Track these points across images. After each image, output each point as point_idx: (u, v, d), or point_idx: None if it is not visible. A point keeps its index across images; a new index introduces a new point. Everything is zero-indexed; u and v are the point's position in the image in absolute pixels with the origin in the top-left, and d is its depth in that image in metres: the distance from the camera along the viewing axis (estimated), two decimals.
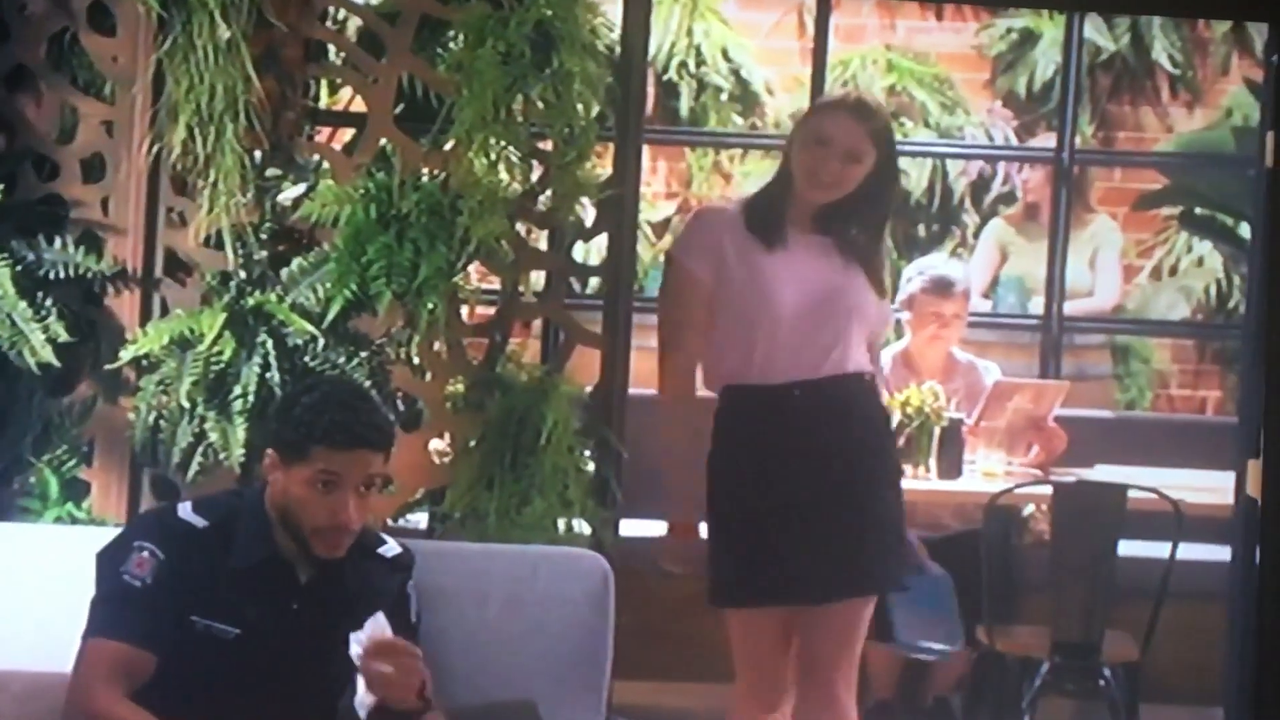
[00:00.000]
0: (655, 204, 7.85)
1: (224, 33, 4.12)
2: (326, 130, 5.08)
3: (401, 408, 4.45)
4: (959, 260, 6.14)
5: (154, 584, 3.32)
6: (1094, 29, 7.79)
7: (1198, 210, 7.52)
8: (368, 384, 4.19)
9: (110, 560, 3.38)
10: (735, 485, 4.09)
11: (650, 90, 7.63)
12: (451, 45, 4.38)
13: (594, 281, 6.16)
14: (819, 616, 4.09)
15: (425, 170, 4.29)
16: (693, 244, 4.15)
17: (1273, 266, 4.56)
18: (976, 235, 7.75)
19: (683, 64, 7.78)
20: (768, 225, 4.09)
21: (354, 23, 4.63)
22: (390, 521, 4.30)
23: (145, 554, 3.34)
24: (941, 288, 5.85)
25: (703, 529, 4.09)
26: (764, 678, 4.15)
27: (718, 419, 4.13)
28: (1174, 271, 8.08)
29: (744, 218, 4.11)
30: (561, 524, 4.27)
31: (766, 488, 4.06)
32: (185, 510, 3.43)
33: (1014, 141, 7.88)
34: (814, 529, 4.05)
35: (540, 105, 4.27)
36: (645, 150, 7.69)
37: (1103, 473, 5.70)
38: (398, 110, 4.43)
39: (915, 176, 7.76)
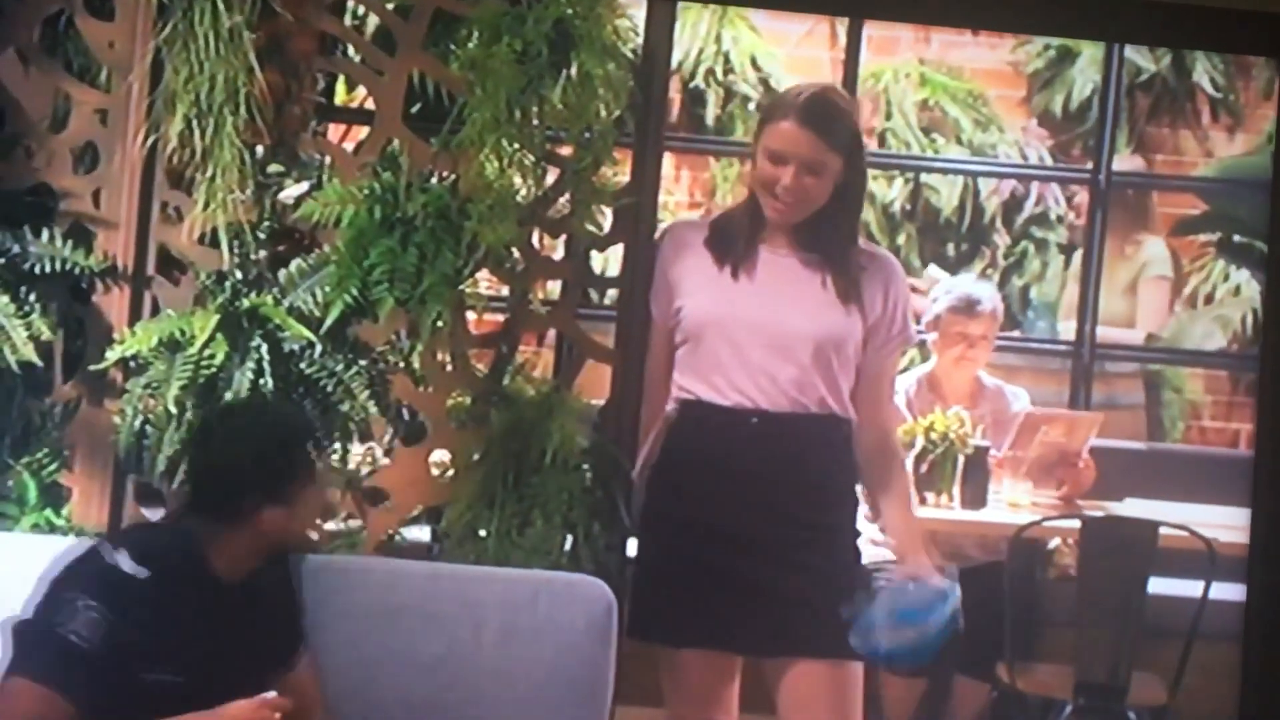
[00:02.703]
0: (677, 214, 7.69)
1: (226, 21, 3.96)
2: (340, 128, 4.92)
3: (406, 418, 4.28)
4: (987, 280, 5.96)
5: (100, 647, 3.25)
6: (1134, 49, 7.62)
7: (1236, 238, 7.37)
8: (366, 394, 4.03)
9: (52, 610, 3.29)
10: (672, 504, 3.89)
11: (676, 97, 7.51)
12: (466, 42, 4.18)
13: (612, 293, 5.97)
14: (783, 673, 3.84)
15: (434, 172, 4.11)
16: (653, 274, 3.99)
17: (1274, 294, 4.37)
18: (1006, 256, 7.61)
19: (710, 71, 7.64)
20: (732, 248, 3.88)
21: (374, 20, 4.47)
22: (387, 537, 4.12)
23: (93, 616, 3.26)
24: (968, 307, 5.71)
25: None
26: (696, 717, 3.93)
27: (669, 432, 3.94)
28: (1210, 300, 7.91)
29: (707, 237, 3.91)
30: (566, 547, 4.08)
31: (705, 514, 3.83)
32: (125, 562, 3.33)
33: (1049, 161, 7.71)
34: (752, 571, 3.81)
35: (558, 107, 4.08)
36: (668, 158, 7.62)
37: (1133, 507, 5.54)
38: (414, 110, 4.27)
39: (945, 194, 7.61)
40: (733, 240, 3.90)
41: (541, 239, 4.33)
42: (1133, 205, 7.20)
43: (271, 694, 3.32)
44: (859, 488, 3.98)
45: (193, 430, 3.79)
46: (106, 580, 3.30)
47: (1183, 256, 7.92)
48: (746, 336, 3.84)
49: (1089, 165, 7.06)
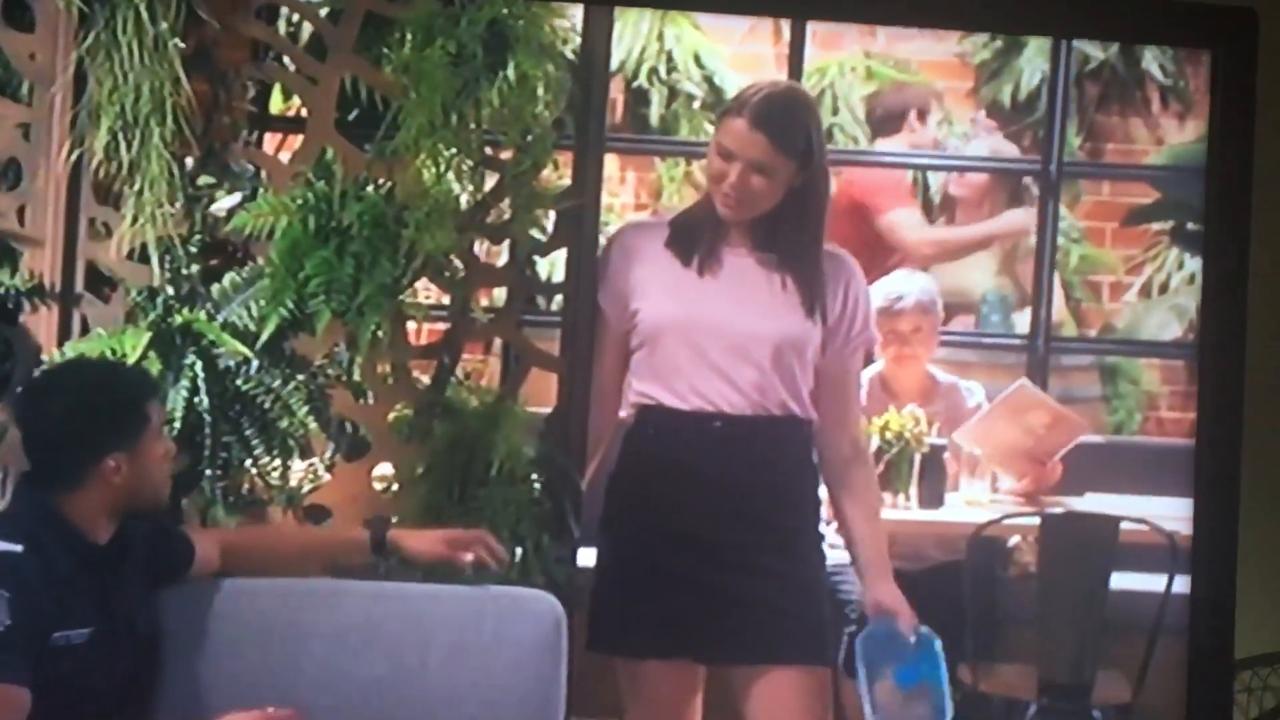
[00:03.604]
0: (624, 216, 7.60)
1: (151, 30, 3.86)
2: (277, 137, 4.82)
3: (349, 432, 4.18)
4: (919, 273, 5.89)
5: (14, 623, 3.25)
6: None
7: (1189, 225, 7.31)
8: (305, 409, 3.94)
9: None
10: (633, 512, 3.82)
11: (619, 97, 7.43)
12: (399, 46, 4.09)
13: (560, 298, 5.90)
14: (751, 682, 3.77)
15: (369, 180, 4.02)
16: (603, 275, 3.92)
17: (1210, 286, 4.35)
18: None
19: (653, 70, 7.55)
20: (691, 247, 3.81)
21: (309, 27, 4.37)
22: None
23: None
24: (890, 304, 5.62)
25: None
26: None
27: (627, 439, 3.88)
28: (1164, 289, 7.86)
29: (668, 237, 3.83)
30: (515, 560, 3.99)
31: (667, 521, 3.76)
32: None
33: (1012, 152, 7.64)
34: (714, 578, 3.75)
35: (495, 110, 4.00)
36: (613, 160, 7.57)
37: (1093, 501, 5.47)
38: (351, 118, 4.16)
39: None
40: (696, 239, 3.82)
41: (485, 246, 4.25)
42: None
43: (271, 709, 3.36)
44: (821, 490, 3.91)
45: (14, 403, 3.74)
46: None
47: (1135, 246, 7.88)
48: (706, 339, 3.77)
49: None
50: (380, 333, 3.97)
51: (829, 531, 3.98)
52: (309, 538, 3.83)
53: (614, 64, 7.18)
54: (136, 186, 3.90)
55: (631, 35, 7.46)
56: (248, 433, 3.97)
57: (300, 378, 4.01)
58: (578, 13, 4.20)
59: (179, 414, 3.87)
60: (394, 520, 3.87)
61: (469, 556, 3.64)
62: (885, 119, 7.00)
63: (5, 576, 3.30)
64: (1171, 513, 5.12)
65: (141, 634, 3.51)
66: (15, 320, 3.97)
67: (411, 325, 4.13)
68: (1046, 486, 5.53)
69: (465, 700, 3.55)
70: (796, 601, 3.76)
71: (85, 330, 4.00)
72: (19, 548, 3.34)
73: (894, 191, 6.77)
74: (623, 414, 3.97)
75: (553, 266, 6.15)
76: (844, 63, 7.69)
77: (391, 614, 3.60)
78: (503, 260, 4.28)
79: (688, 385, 3.77)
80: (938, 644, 3.92)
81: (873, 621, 3.91)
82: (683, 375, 3.77)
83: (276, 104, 4.80)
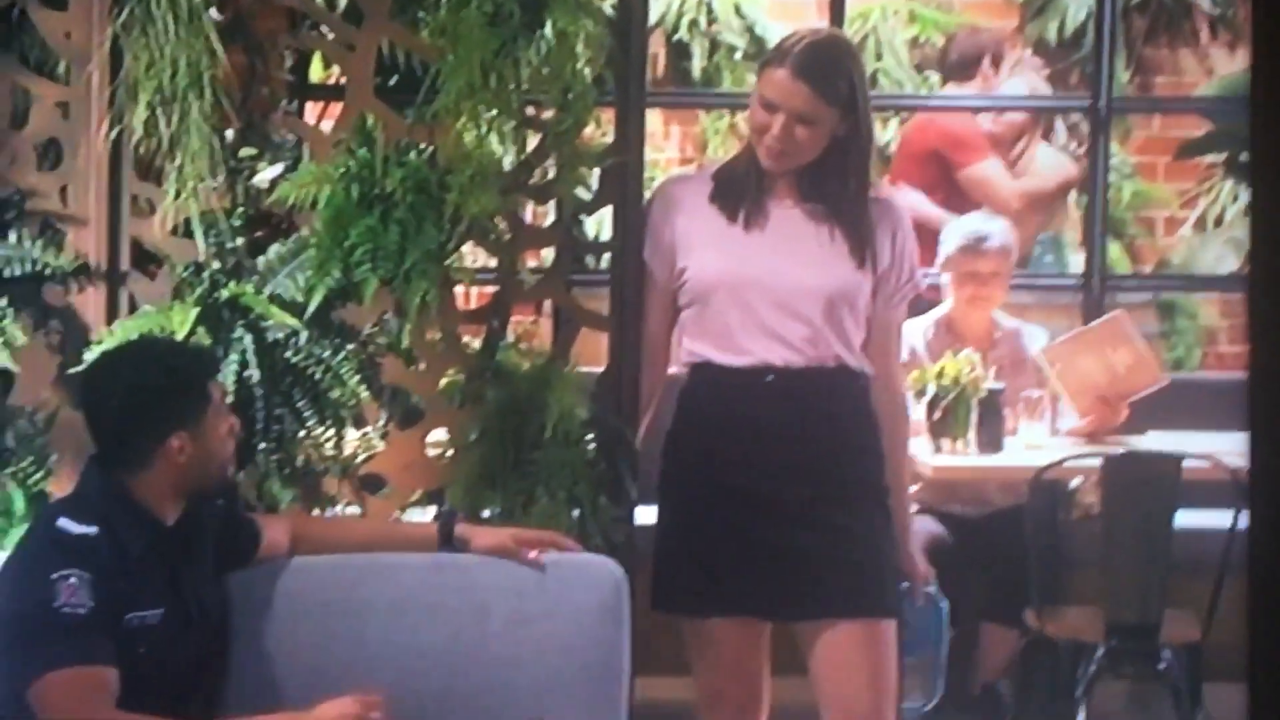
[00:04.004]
0: (670, 171, 7.55)
1: (185, 2, 3.81)
2: (319, 106, 4.78)
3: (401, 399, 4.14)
4: (998, 218, 5.81)
5: (96, 605, 3.23)
6: None
7: (1243, 156, 7.20)
8: (356, 379, 3.91)
9: (33, 597, 3.24)
10: (691, 471, 3.78)
11: (661, 51, 7.37)
12: (435, 8, 4.03)
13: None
14: (816, 636, 3.73)
15: (411, 145, 3.96)
16: (649, 233, 3.86)
17: (1259, 216, 4.25)
18: None
19: (694, 22, 7.49)
20: (736, 201, 3.75)
21: None
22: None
23: (72, 580, 3.24)
24: (975, 243, 5.56)
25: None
26: (727, 694, 3.82)
27: (681, 397, 3.83)
28: (1219, 222, 7.76)
29: (712, 191, 3.77)
30: (573, 521, 3.95)
31: (726, 478, 3.72)
32: (70, 525, 3.32)
33: (1045, 91, 7.55)
34: (777, 534, 3.69)
35: (535, 69, 3.94)
36: (657, 115, 7.51)
37: (1155, 440, 5.39)
38: (391, 84, 4.12)
39: None
40: (740, 192, 3.77)
41: (533, 209, 4.20)
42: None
43: (361, 694, 3.32)
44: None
45: (75, 385, 3.73)
46: (64, 546, 3.29)
47: (1189, 179, 7.78)
48: (755, 296, 3.72)
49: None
50: (428, 299, 3.91)
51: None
52: (377, 530, 3.79)
53: (654, 18, 7.20)
54: (177, 161, 3.85)
55: None
56: (300, 404, 3.93)
57: (350, 347, 3.96)
58: None
59: (230, 388, 3.81)
60: (460, 515, 3.82)
61: (536, 554, 3.58)
62: (959, 65, 6.89)
63: (84, 558, 3.28)
64: (1235, 448, 5.05)
65: (213, 615, 3.49)
66: (63, 301, 3.94)
67: (460, 290, 4.08)
68: (1109, 429, 5.46)
69: (527, 668, 3.50)
70: (858, 553, 3.71)
71: (133, 309, 3.96)
72: (94, 529, 3.32)
73: (975, 144, 6.67)
74: (673, 370, 3.93)
75: (600, 225, 6.14)
76: (886, 6, 7.61)
77: (450, 585, 3.55)
78: (550, 220, 4.22)
79: (738, 343, 3.72)
80: (944, 612, 3.85)
81: None
82: (733, 333, 3.72)
83: (317, 72, 4.76)
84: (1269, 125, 4.02)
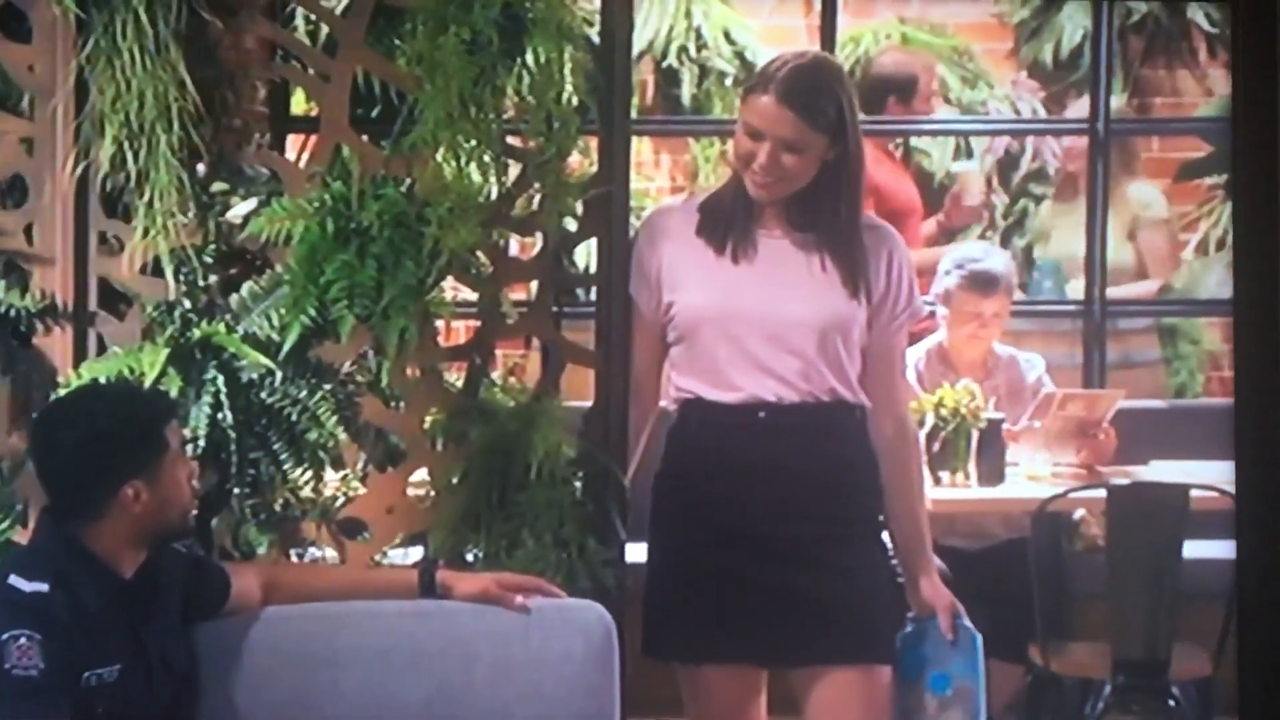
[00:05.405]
0: (660, 200, 7.46)
1: (152, 33, 3.71)
2: (299, 139, 4.68)
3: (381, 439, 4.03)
4: (1002, 251, 5.71)
5: (48, 666, 3.15)
6: None
7: None
8: (333, 419, 3.79)
9: None
10: (682, 512, 3.66)
11: (650, 78, 7.29)
12: (411, 36, 3.92)
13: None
14: (812, 683, 3.62)
15: (388, 177, 3.86)
16: (634, 266, 3.76)
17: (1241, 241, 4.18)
18: (1005, 216, 7.38)
19: (683, 49, 7.41)
20: (723, 233, 3.64)
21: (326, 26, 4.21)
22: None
23: (23, 641, 3.16)
24: (983, 285, 5.45)
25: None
26: None
27: (671, 435, 3.72)
28: (1221, 245, 7.66)
29: (698, 223, 3.66)
30: (561, 563, 3.83)
31: (718, 519, 3.60)
32: (20, 583, 3.23)
33: (1042, 114, 7.46)
34: (772, 576, 3.58)
35: (515, 98, 3.84)
36: (646, 143, 7.43)
37: (1160, 469, 5.29)
38: (373, 115, 4.03)
39: (937, 157, 7.37)
40: (727, 223, 3.66)
41: (520, 242, 4.11)
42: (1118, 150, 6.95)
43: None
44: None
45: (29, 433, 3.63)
46: (14, 605, 3.21)
47: (1189, 202, 7.69)
48: (745, 330, 3.61)
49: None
50: (407, 336, 3.81)
51: None
52: (355, 577, 3.67)
53: (643, 45, 7.11)
54: (146, 197, 3.75)
55: (659, 14, 7.34)
56: (276, 447, 3.82)
57: (327, 387, 3.85)
58: None
59: (203, 431, 3.72)
60: (440, 562, 3.72)
61: (521, 599, 3.47)
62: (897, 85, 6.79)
63: (36, 617, 3.20)
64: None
65: (176, 669, 3.38)
66: (28, 343, 3.84)
67: (445, 324, 3.99)
68: (1105, 455, 5.36)
69: (514, 717, 3.41)
70: (856, 596, 3.60)
71: (102, 349, 3.86)
72: (46, 586, 3.23)
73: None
74: (664, 404, 3.81)
75: (589, 257, 6.02)
76: (878, 30, 7.54)
77: (434, 632, 3.45)
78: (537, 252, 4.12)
79: (728, 379, 3.61)
80: (979, 641, 3.73)
81: (912, 618, 3.72)
82: (722, 368, 3.61)
83: (299, 104, 4.65)
84: (1249, 154, 3.89)
